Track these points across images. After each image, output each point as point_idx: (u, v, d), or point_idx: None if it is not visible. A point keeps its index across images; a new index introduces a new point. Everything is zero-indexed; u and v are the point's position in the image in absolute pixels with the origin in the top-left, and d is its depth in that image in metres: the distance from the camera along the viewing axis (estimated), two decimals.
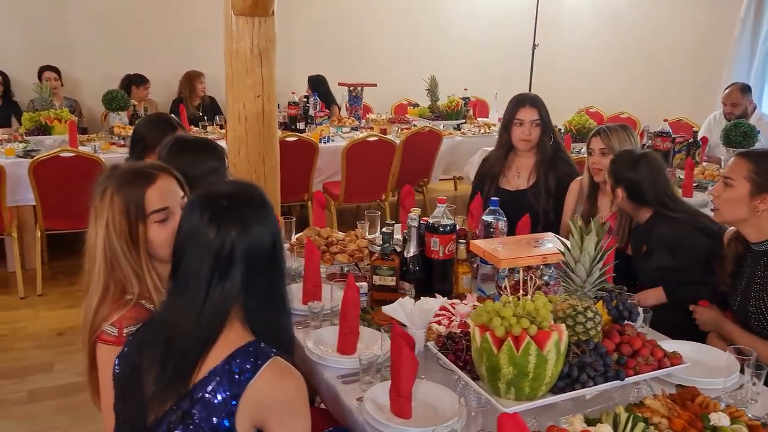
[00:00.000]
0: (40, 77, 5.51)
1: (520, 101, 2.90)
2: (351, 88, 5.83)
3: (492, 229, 2.25)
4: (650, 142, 4.25)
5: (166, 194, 1.54)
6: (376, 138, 4.76)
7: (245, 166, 3.98)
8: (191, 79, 6.02)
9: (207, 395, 1.19)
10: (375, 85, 5.86)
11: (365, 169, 4.72)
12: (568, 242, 1.60)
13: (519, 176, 2.94)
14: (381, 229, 2.61)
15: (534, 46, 7.31)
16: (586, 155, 2.82)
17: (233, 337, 1.25)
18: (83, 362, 1.57)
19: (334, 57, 6.71)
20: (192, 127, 5.33)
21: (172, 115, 2.79)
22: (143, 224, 1.51)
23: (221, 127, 5.51)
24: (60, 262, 4.44)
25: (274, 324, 1.30)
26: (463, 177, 5.38)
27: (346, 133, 5.42)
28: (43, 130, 4.49)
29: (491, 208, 2.29)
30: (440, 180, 5.76)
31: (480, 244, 2.00)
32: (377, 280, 2.09)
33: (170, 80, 6.17)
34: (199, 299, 1.22)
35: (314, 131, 5.18)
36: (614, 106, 6.61)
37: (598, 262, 1.51)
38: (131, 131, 4.71)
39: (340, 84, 5.88)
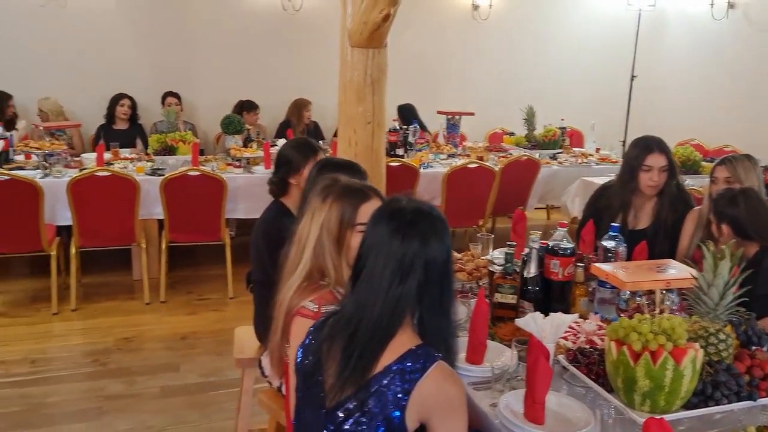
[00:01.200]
0: (163, 102, 5.99)
1: (648, 147, 2.84)
2: (449, 117, 6.00)
3: (611, 254, 2.32)
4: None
5: None
6: (476, 165, 4.89)
7: None
8: (300, 106, 6.36)
9: (382, 388, 1.34)
10: (473, 114, 6.02)
11: (464, 194, 4.86)
12: (693, 269, 1.67)
13: (636, 216, 2.92)
14: (492, 250, 2.74)
15: (632, 77, 7.29)
16: (709, 184, 2.83)
17: (405, 339, 1.40)
18: (274, 336, 1.80)
19: (429, 86, 6.92)
20: None
21: (313, 140, 3.03)
22: (350, 231, 1.77)
23: (324, 152, 5.78)
24: (177, 273, 4.78)
25: (440, 331, 1.44)
26: (560, 206, 5.40)
27: (443, 159, 5.58)
28: (169, 150, 4.88)
29: (611, 233, 2.36)
30: (534, 209, 5.82)
31: (602, 268, 2.09)
32: (498, 297, 2.21)
33: (278, 106, 6.53)
34: (380, 299, 1.38)
35: (414, 157, 5.37)
36: (716, 138, 6.47)
37: (731, 287, 1.57)
38: (245, 153, 5.08)
39: (438, 112, 6.07)
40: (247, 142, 5.36)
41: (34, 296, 4.41)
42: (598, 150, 6.24)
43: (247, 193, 4.76)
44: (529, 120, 6.01)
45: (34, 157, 4.90)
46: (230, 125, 5.24)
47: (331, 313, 1.51)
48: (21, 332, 3.85)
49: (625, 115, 7.43)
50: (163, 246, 4.43)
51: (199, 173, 4.26)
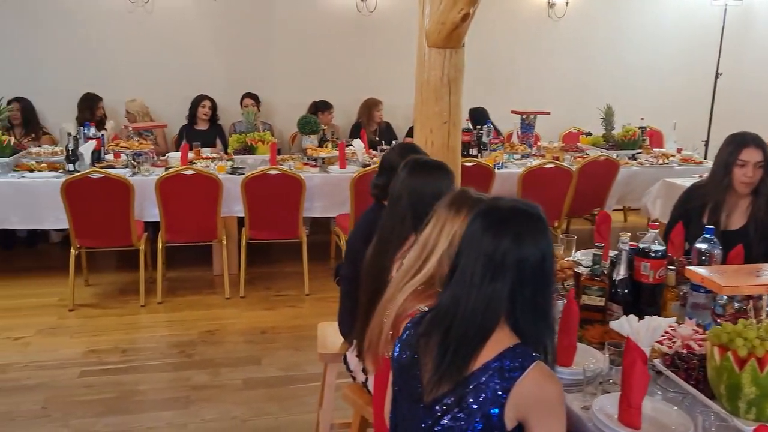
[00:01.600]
0: (241, 103, 6.17)
1: (743, 142, 2.75)
2: (523, 116, 5.93)
3: (706, 258, 2.25)
4: None
5: None
6: (552, 165, 4.82)
7: None
8: (370, 106, 6.42)
9: (481, 385, 1.35)
10: (548, 113, 5.92)
11: (540, 195, 4.75)
12: None
13: (729, 217, 2.81)
14: (574, 252, 2.70)
15: (717, 75, 7.00)
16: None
17: (503, 337, 1.40)
18: (372, 333, 1.80)
19: (501, 85, 6.85)
20: (371, 150, 5.69)
21: (417, 146, 3.04)
22: None
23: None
24: (254, 269, 4.89)
25: (537, 332, 1.43)
26: (640, 208, 5.24)
27: (517, 159, 5.52)
28: (248, 150, 5.02)
29: (706, 236, 2.29)
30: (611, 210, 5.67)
31: (697, 271, 2.02)
32: (585, 299, 2.18)
33: (351, 106, 6.62)
34: (472, 295, 1.39)
35: (488, 157, 5.34)
36: None
37: None
38: (320, 152, 5.17)
39: (513, 112, 6.00)
40: (322, 142, 5.45)
41: (122, 289, 4.62)
42: (679, 150, 6.02)
43: (322, 192, 4.85)
44: (608, 119, 5.86)
45: (123, 156, 5.15)
46: (306, 125, 5.34)
47: (429, 309, 1.52)
48: (112, 323, 4.05)
49: (708, 114, 7.14)
50: (243, 243, 4.56)
51: (278, 172, 4.37)
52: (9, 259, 5.28)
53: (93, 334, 3.88)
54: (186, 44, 6.29)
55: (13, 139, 4.75)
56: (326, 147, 5.38)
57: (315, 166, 5.05)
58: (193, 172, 4.23)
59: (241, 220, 4.79)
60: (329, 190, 4.89)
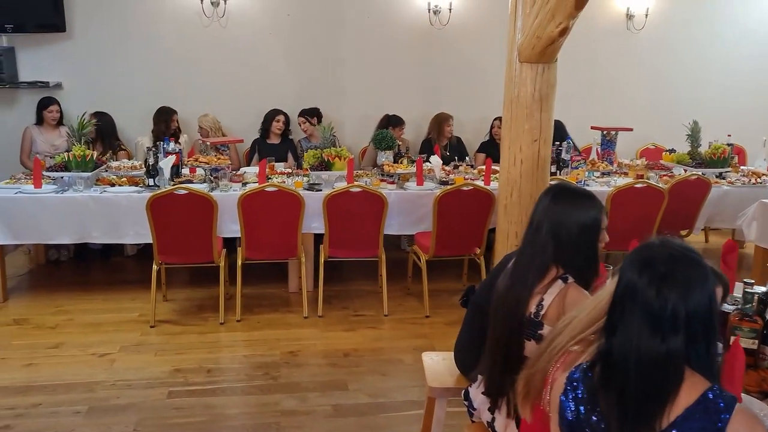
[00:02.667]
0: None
1: None
2: (604, 132, 5.72)
3: None
4: None
5: None
6: (643, 185, 4.60)
7: (516, 209, 4.05)
8: (441, 121, 6.29)
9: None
10: (631, 129, 5.70)
11: (630, 216, 4.57)
12: None
13: None
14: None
15: None
16: None
17: (695, 382, 1.30)
18: (530, 373, 1.66)
19: (577, 100, 6.64)
20: (444, 166, 5.56)
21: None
22: None
23: (472, 166, 5.68)
24: (329, 287, 4.78)
25: (713, 376, 1.33)
26: (733, 230, 4.96)
27: (598, 177, 5.32)
28: (325, 165, 4.95)
29: None
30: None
31: None
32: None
33: (419, 121, 6.51)
34: (644, 354, 1.30)
35: (570, 175, 5.15)
36: None
37: None
38: (398, 168, 5.06)
39: (593, 128, 5.79)
40: (397, 158, 5.35)
41: (200, 305, 4.59)
42: None
43: (399, 209, 4.74)
44: (694, 136, 5.60)
45: (198, 171, 5.14)
46: (383, 141, 5.25)
47: (592, 363, 1.40)
48: (193, 341, 4.00)
49: None
50: (321, 261, 4.48)
51: (360, 190, 4.27)
52: (85, 272, 5.33)
53: (176, 352, 3.83)
54: (258, 58, 6.29)
55: (95, 154, 4.79)
56: (402, 163, 5.28)
57: (391, 183, 4.95)
58: (276, 189, 4.16)
59: (317, 237, 4.72)
60: (406, 207, 4.77)
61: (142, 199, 4.45)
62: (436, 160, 5.09)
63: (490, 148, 6.36)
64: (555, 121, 6.03)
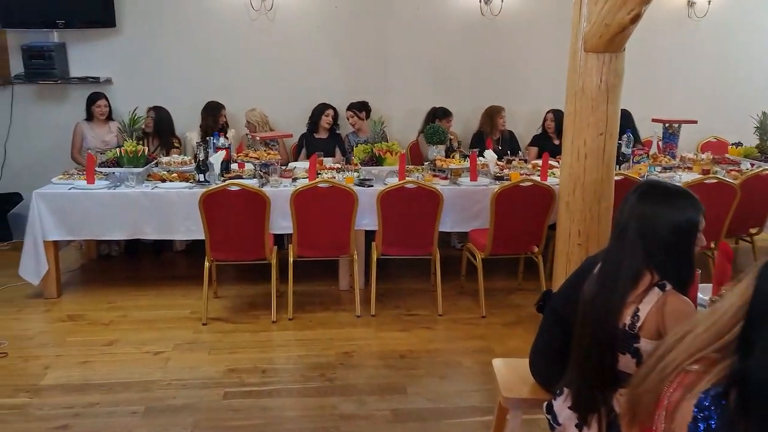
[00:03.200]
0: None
1: None
2: (666, 125, 5.47)
3: None
4: None
5: None
6: (715, 180, 4.36)
7: (579, 205, 3.87)
8: (492, 114, 6.11)
9: None
10: (695, 122, 5.44)
11: None
12: None
13: None
14: None
15: None
16: None
17: None
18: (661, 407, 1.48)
19: (637, 91, 6.38)
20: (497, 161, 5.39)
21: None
22: None
23: (525, 161, 5.50)
24: (380, 285, 4.65)
25: None
26: None
27: (660, 172, 5.08)
28: (376, 161, 4.84)
29: None
30: None
31: None
32: None
33: (467, 114, 6.35)
34: None
35: (632, 170, 4.93)
36: None
37: None
38: (450, 164, 4.92)
39: (654, 120, 5.55)
40: (448, 152, 5.20)
41: (251, 302, 4.53)
42: None
43: (453, 206, 4.59)
44: (763, 128, 5.32)
45: (247, 166, 5.08)
46: (435, 135, 5.11)
47: (727, 387, 1.23)
48: (246, 339, 3.94)
49: None
50: (374, 258, 4.37)
51: (415, 186, 4.14)
52: (136, 267, 5.33)
53: (229, 351, 3.77)
54: (305, 51, 6.20)
55: (147, 149, 4.76)
56: (454, 158, 5.13)
57: (444, 178, 4.80)
58: (329, 185, 4.07)
59: (368, 234, 4.62)
60: (461, 203, 4.63)
61: (194, 195, 4.42)
62: (490, 154, 4.93)
63: (543, 142, 6.16)
64: (621, 110, 5.86)
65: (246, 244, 4.12)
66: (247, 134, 5.93)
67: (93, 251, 5.45)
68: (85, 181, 4.56)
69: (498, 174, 4.93)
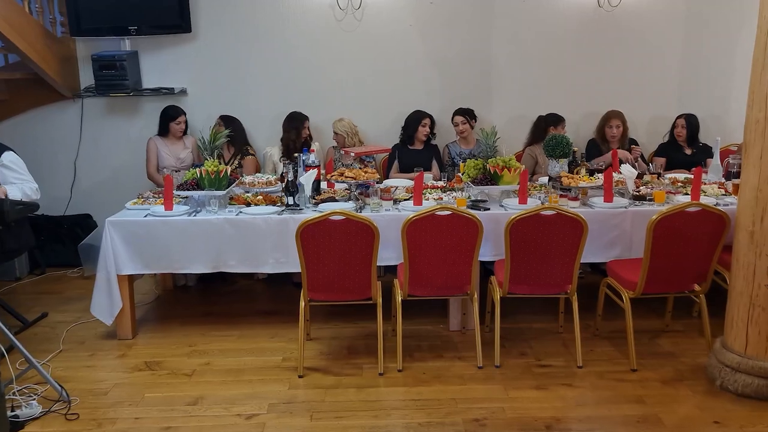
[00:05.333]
0: (452, 120, 5.30)
1: None
2: None
3: None
4: None
5: None
6: None
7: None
8: (607, 119, 5.31)
9: None
10: None
11: None
12: None
13: None
14: None
15: None
16: None
17: None
18: None
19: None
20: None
21: None
22: None
23: (658, 175, 4.67)
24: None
25: None
26: None
27: None
28: (490, 179, 4.13)
29: None
30: None
31: None
32: None
33: (579, 120, 5.57)
34: None
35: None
36: None
37: None
38: (580, 181, 4.16)
39: None
40: (572, 167, 4.44)
41: (350, 346, 3.89)
42: None
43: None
44: None
45: (337, 186, 4.46)
46: (557, 147, 4.36)
47: None
48: (352, 398, 3.28)
49: None
50: (497, 298, 3.66)
51: (554, 212, 3.39)
52: (213, 299, 4.76)
53: (335, 414, 3.13)
54: (396, 53, 5.55)
55: (230, 169, 4.19)
56: (578, 173, 4.37)
57: (574, 198, 4.05)
58: (449, 213, 3.37)
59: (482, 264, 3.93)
60: (596, 229, 3.86)
61: (284, 222, 3.86)
62: (628, 169, 4.15)
63: (672, 151, 5.33)
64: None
65: (351, 282, 3.48)
66: (334, 147, 5.33)
67: (169, 281, 4.93)
68: (162, 207, 4.02)
69: (636, 193, 4.14)
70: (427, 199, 4.12)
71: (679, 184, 4.48)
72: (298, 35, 5.48)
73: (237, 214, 3.95)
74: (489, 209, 3.96)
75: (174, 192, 4.06)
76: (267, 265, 3.96)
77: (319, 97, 5.53)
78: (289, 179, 4.07)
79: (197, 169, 4.14)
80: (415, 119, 5.19)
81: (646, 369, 3.54)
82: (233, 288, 4.97)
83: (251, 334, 4.09)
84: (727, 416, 3.04)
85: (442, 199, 4.16)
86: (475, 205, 4.04)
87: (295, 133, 5.12)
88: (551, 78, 5.62)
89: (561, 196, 4.09)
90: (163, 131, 5.12)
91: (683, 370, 3.52)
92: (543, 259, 3.49)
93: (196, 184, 4.11)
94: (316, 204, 4.09)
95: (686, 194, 4.16)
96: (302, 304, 3.55)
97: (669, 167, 5.18)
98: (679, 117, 5.28)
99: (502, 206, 4.04)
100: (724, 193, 4.22)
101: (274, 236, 3.90)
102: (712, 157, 5.31)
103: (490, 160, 4.21)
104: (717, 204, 3.80)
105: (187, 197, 4.22)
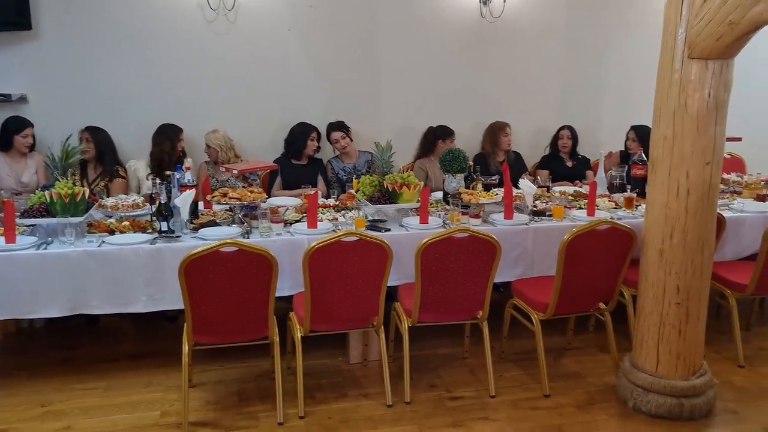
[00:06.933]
0: (328, 137, 4.98)
1: None
2: None
3: None
4: None
5: None
6: None
7: (679, 255, 3.06)
8: (496, 131, 5.26)
9: None
10: (740, 140, 4.76)
11: None
12: None
13: None
14: None
15: None
16: None
17: None
18: None
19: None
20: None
21: None
22: None
23: (547, 189, 4.65)
24: (399, 355, 3.66)
25: None
26: None
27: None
28: (388, 197, 3.84)
29: None
30: None
31: None
32: None
33: (467, 132, 5.45)
34: None
35: None
36: None
37: None
38: (480, 197, 3.98)
39: None
40: (468, 182, 4.27)
41: (240, 391, 3.42)
42: None
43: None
44: None
45: (215, 207, 3.97)
46: (454, 162, 4.16)
47: None
48: None
49: None
50: (405, 326, 3.36)
51: (467, 234, 3.15)
52: (70, 344, 4.00)
53: None
54: (274, 60, 5.13)
55: (88, 191, 3.56)
56: (475, 188, 4.21)
57: (476, 216, 3.85)
58: (357, 239, 3.02)
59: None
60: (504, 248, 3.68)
61: (157, 252, 3.34)
62: (527, 184, 4.03)
63: (555, 163, 5.36)
64: (642, 126, 5.12)
65: (244, 321, 3.02)
66: (207, 162, 4.80)
67: (11, 324, 4.14)
68: (2, 239, 3.30)
69: (534, 208, 4.04)
70: (321, 220, 3.75)
71: (570, 197, 4.46)
72: (163, 36, 4.89)
73: (99, 245, 3.33)
74: (390, 230, 3.67)
75: (17, 220, 3.36)
76: (138, 303, 3.38)
77: (188, 106, 4.97)
78: (162, 201, 3.52)
79: (45, 192, 3.47)
80: (303, 132, 4.81)
81: (558, 393, 3.41)
82: (92, 328, 4.27)
83: (121, 383, 3.48)
84: None
85: (337, 219, 3.81)
86: (374, 225, 3.72)
87: (170, 145, 4.55)
88: (438, 89, 5.48)
89: (463, 213, 3.89)
90: (5, 146, 4.32)
91: (593, 392, 3.43)
92: (455, 284, 3.24)
93: (46, 210, 3.45)
94: (195, 229, 3.58)
95: (580, 208, 4.12)
96: (185, 348, 3.03)
97: (551, 180, 5.19)
98: (562, 128, 5.32)
99: (402, 226, 3.76)
100: (615, 206, 4.23)
101: (147, 269, 3.33)
102: (590, 169, 5.44)
103: (387, 176, 3.93)
104: (612, 218, 3.77)
105: (33, 226, 3.52)
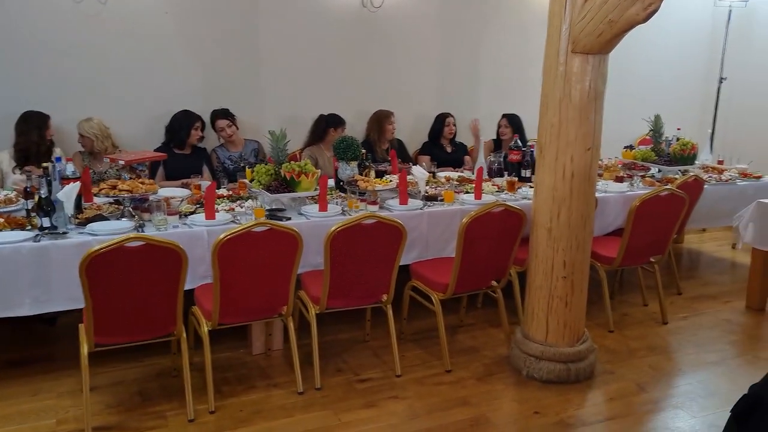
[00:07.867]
0: (213, 125, 4.88)
1: None
2: None
3: None
4: None
5: None
6: (667, 193, 4.07)
7: (565, 232, 3.35)
8: (381, 119, 5.39)
9: None
10: None
11: (647, 228, 4.05)
12: None
13: None
14: None
15: (721, 79, 6.73)
16: None
17: None
18: None
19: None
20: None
21: None
22: None
23: (433, 174, 4.85)
24: (303, 342, 3.70)
25: None
26: (736, 232, 4.62)
27: None
28: (286, 185, 3.83)
29: None
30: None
31: None
32: None
33: (352, 120, 5.53)
34: None
35: None
36: None
37: None
38: (376, 184, 4.08)
39: None
40: (361, 169, 4.35)
41: (142, 391, 3.27)
42: (721, 162, 5.63)
43: None
44: (657, 131, 5.28)
45: (99, 201, 3.73)
46: (348, 150, 4.22)
47: None
48: None
49: (711, 119, 6.86)
50: (312, 313, 3.39)
51: (375, 221, 3.23)
52: None
53: None
54: (150, 44, 4.88)
55: None
56: (368, 175, 4.31)
57: (373, 203, 3.95)
58: (267, 228, 2.99)
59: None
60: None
61: (42, 250, 3.10)
62: (420, 171, 4.19)
63: (435, 150, 5.60)
64: (513, 114, 5.48)
65: (150, 318, 2.89)
66: (81, 152, 4.49)
67: None
68: None
69: (430, 194, 4.21)
70: (218, 211, 3.65)
71: (456, 182, 4.68)
72: (24, 17, 4.48)
73: None
74: (290, 218, 3.66)
75: None
76: (23, 306, 3.12)
77: (56, 93, 4.61)
78: (42, 195, 3.27)
79: None
80: (186, 121, 4.63)
81: (458, 368, 3.60)
82: None
83: (5, 393, 3.20)
84: (542, 405, 3.21)
85: (234, 209, 3.73)
86: (274, 215, 3.70)
87: (37, 134, 4.20)
88: (321, 78, 5.49)
89: (360, 200, 3.96)
90: None
91: (489, 364, 3.66)
92: (363, 270, 3.32)
93: None
94: (82, 224, 3.36)
95: (468, 192, 4.34)
96: (84, 351, 2.85)
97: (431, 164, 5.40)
98: (447, 116, 5.54)
99: (302, 214, 3.77)
100: (497, 189, 4.50)
101: (31, 269, 3.09)
102: (468, 155, 5.73)
103: (284, 165, 3.90)
104: (498, 201, 4.01)
105: None
